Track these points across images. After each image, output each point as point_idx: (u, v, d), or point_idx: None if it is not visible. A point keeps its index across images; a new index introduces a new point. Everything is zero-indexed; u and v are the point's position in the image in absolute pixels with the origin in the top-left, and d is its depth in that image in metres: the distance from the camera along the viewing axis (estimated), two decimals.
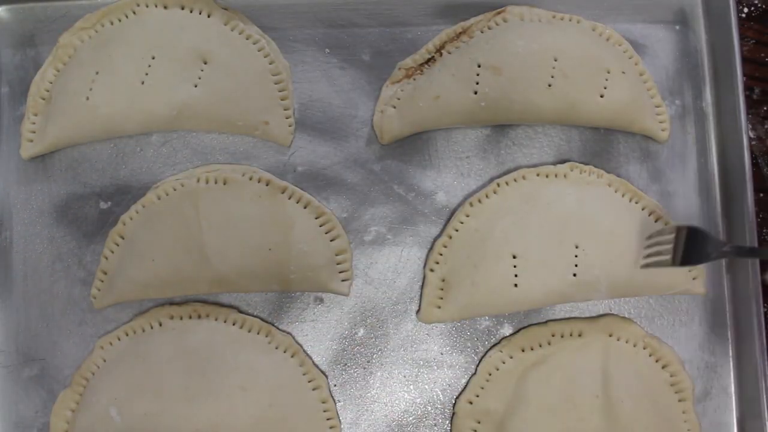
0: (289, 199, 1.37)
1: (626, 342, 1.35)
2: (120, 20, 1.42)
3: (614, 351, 1.34)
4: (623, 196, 1.39)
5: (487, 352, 1.36)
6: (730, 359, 1.39)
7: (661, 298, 1.40)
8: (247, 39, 1.42)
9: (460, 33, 1.42)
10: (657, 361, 1.35)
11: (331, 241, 1.38)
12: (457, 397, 1.36)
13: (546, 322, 1.38)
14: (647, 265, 1.31)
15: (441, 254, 1.38)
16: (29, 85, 1.42)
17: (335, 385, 1.37)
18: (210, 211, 1.34)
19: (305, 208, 1.38)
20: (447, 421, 1.36)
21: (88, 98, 1.37)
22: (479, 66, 1.37)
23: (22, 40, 1.46)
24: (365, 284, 1.39)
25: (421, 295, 1.38)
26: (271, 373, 1.32)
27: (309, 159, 1.42)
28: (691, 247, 1.27)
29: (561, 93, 1.37)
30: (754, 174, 1.42)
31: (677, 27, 1.48)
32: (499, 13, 1.42)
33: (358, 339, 1.38)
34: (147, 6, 1.42)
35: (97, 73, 1.38)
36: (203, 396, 1.29)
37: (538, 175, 1.38)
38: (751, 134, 1.50)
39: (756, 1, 1.56)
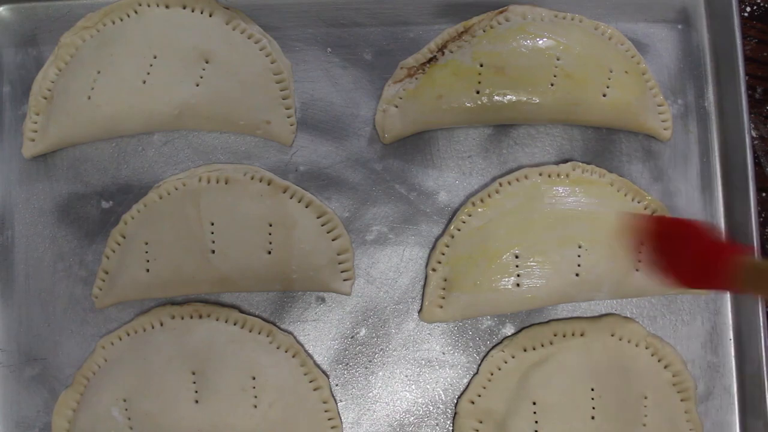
0: (291, 198, 1.37)
1: (628, 342, 1.35)
2: (121, 19, 1.41)
3: (616, 351, 1.34)
4: (626, 195, 1.39)
5: (489, 351, 1.36)
6: (733, 359, 1.39)
7: (663, 297, 1.40)
8: (248, 38, 1.42)
9: (462, 32, 1.42)
10: (659, 360, 1.35)
11: (332, 240, 1.37)
12: (459, 397, 1.36)
13: (548, 321, 1.37)
14: None
15: (443, 254, 1.38)
16: (31, 84, 1.42)
17: (337, 385, 1.37)
18: (211, 211, 1.33)
19: (307, 207, 1.37)
20: (449, 421, 1.36)
21: (89, 97, 1.37)
22: (481, 65, 1.37)
23: (24, 39, 1.46)
24: (367, 284, 1.39)
25: (423, 295, 1.38)
26: (272, 373, 1.32)
27: (311, 158, 1.42)
28: None
29: (563, 92, 1.37)
30: (757, 173, 1.41)
31: (680, 26, 1.48)
32: (501, 12, 1.42)
33: (359, 339, 1.38)
34: (149, 5, 1.42)
35: (98, 72, 1.37)
36: (204, 396, 1.29)
37: (540, 174, 1.38)
38: (754, 133, 1.50)
39: (759, 0, 1.55)
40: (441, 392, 1.37)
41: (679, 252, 1.11)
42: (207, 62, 1.39)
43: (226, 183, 1.36)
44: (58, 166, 1.42)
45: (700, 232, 1.13)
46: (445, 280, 1.36)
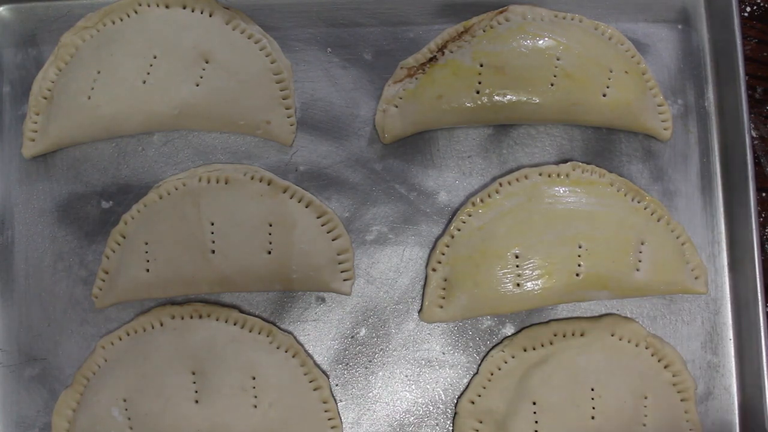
0: (291, 198, 1.37)
1: (628, 341, 1.35)
2: (121, 19, 1.42)
3: (616, 350, 1.34)
4: (625, 195, 1.39)
5: (489, 351, 1.36)
6: (732, 359, 1.39)
7: (663, 297, 1.40)
8: (248, 38, 1.42)
9: (462, 32, 1.42)
10: (659, 360, 1.35)
11: (332, 240, 1.37)
12: (459, 397, 1.36)
13: (548, 321, 1.37)
14: None
15: (443, 254, 1.38)
16: (31, 84, 1.42)
17: (337, 385, 1.37)
18: (211, 211, 1.33)
19: (307, 207, 1.37)
20: (449, 421, 1.36)
21: (89, 97, 1.37)
22: (481, 65, 1.37)
23: (24, 39, 1.46)
24: (367, 284, 1.39)
25: (423, 295, 1.38)
26: (272, 373, 1.32)
27: (310, 158, 1.42)
28: None
29: (563, 92, 1.37)
30: (757, 173, 1.42)
31: (680, 26, 1.48)
32: (501, 12, 1.42)
33: (359, 338, 1.38)
34: (149, 5, 1.42)
35: (98, 72, 1.38)
36: (204, 396, 1.29)
37: (540, 174, 1.38)
38: (754, 133, 1.50)
39: (759, 1, 1.55)
40: (441, 392, 1.37)
41: None
42: (207, 62, 1.38)
43: (226, 183, 1.36)
44: (58, 166, 1.42)
45: None
46: (445, 280, 1.36)
